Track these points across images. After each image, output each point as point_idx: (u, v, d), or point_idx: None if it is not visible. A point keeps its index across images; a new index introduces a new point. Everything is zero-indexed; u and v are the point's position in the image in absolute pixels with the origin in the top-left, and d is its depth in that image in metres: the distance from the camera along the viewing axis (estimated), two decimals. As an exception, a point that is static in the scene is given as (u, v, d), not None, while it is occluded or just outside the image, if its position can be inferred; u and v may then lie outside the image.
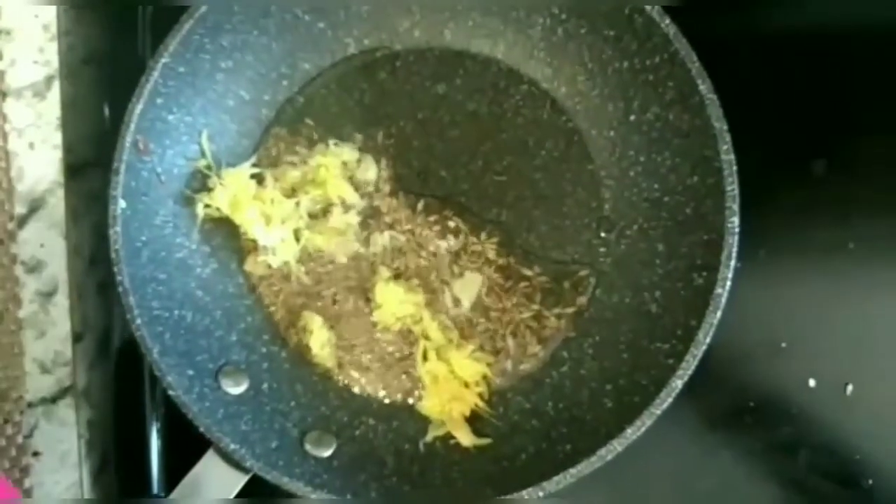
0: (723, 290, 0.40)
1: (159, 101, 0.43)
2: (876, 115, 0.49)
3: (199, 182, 0.47)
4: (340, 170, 0.48)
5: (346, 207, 0.48)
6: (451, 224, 0.48)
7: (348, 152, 0.48)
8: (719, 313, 0.40)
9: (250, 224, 0.46)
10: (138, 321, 0.41)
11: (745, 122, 0.42)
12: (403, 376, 0.47)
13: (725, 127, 0.41)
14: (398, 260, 0.48)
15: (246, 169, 0.47)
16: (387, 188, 0.49)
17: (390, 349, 0.47)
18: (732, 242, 0.40)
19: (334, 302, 0.48)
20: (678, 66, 0.42)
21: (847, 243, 0.49)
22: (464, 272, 0.48)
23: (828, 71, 0.50)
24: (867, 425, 0.48)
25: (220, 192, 0.46)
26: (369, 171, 0.48)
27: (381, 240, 0.48)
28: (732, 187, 0.41)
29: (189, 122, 0.46)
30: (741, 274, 0.43)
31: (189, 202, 0.46)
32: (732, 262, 0.41)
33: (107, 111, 0.50)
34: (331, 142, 0.49)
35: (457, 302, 0.47)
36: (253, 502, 0.44)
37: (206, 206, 0.46)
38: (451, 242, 0.48)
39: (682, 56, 0.41)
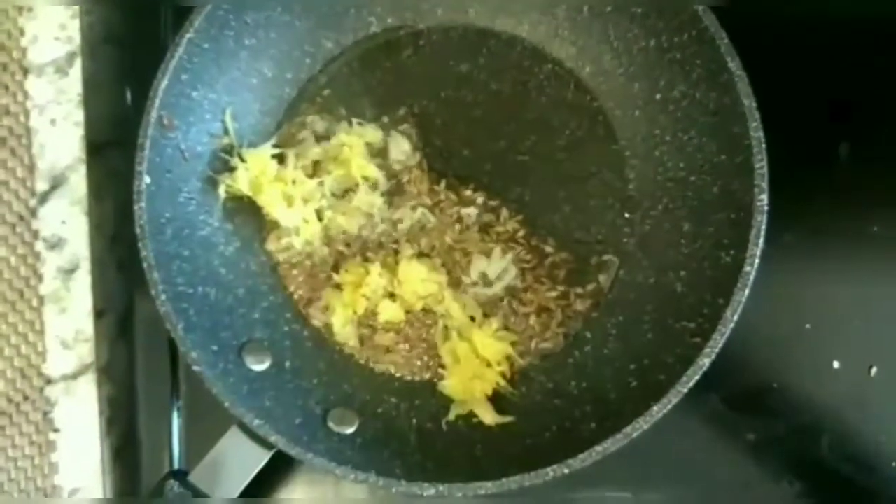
0: (751, 269, 0.40)
1: (184, 77, 0.44)
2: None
3: (222, 162, 0.47)
4: (364, 149, 0.48)
5: (372, 187, 0.48)
6: (478, 201, 0.48)
7: (371, 132, 0.49)
8: (747, 291, 0.40)
9: (272, 205, 0.47)
10: (163, 297, 0.42)
11: (771, 103, 0.42)
12: (426, 356, 0.47)
13: (755, 104, 0.41)
14: (422, 239, 0.48)
15: (267, 149, 0.47)
16: (412, 166, 0.49)
17: (413, 328, 0.47)
18: (761, 220, 0.41)
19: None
20: (706, 44, 0.42)
21: (871, 227, 0.49)
22: (491, 250, 0.48)
23: (855, 55, 0.49)
24: (891, 408, 0.48)
25: (241, 173, 0.46)
26: (402, 147, 0.48)
27: (409, 218, 0.48)
28: (762, 164, 0.41)
29: (213, 99, 0.46)
30: (766, 256, 0.43)
31: (212, 181, 0.47)
32: (761, 241, 0.41)
33: (128, 91, 0.51)
34: (354, 121, 0.49)
35: (484, 278, 0.47)
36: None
37: (228, 186, 0.46)
38: (476, 215, 0.48)
39: (711, 33, 0.41)
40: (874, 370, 0.48)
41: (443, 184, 0.49)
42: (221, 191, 0.46)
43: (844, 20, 0.50)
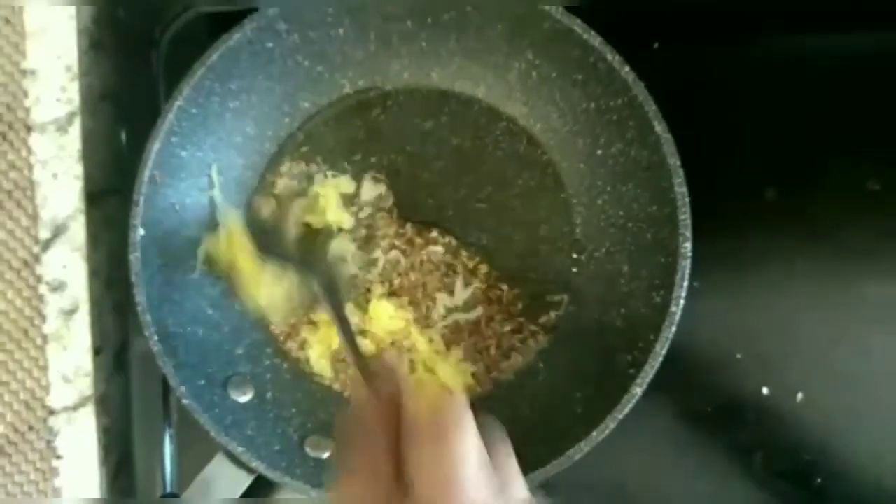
0: (677, 308, 0.44)
1: (174, 139, 0.46)
2: (822, 146, 0.53)
3: (209, 215, 0.50)
4: (338, 199, 0.52)
5: (346, 234, 0.52)
6: (441, 242, 0.52)
7: (345, 182, 0.52)
8: (674, 328, 0.44)
9: (246, 265, 0.49)
10: (155, 337, 0.45)
11: (701, 157, 0.45)
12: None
13: (679, 162, 0.44)
14: (394, 279, 0.52)
15: (239, 217, 0.50)
16: (385, 209, 0.52)
17: (382, 360, 0.51)
18: (685, 265, 0.44)
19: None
20: (637, 108, 0.45)
21: (795, 264, 0.52)
22: (454, 284, 0.52)
23: (779, 106, 0.53)
24: (816, 429, 0.51)
25: (221, 234, 0.49)
26: (375, 191, 0.52)
27: (382, 259, 0.51)
28: (685, 216, 0.44)
29: (200, 157, 0.49)
30: (698, 292, 0.46)
31: (200, 230, 0.50)
32: (685, 283, 0.44)
33: (124, 139, 0.53)
34: (329, 173, 0.53)
35: (448, 312, 0.51)
36: (255, 503, 0.47)
37: (207, 251, 0.49)
38: (441, 254, 0.52)
39: (640, 100, 0.44)
40: (800, 395, 0.51)
41: (408, 227, 0.52)
42: (200, 252, 0.49)
43: (767, 76, 0.53)
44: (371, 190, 0.53)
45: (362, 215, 0.53)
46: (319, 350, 0.51)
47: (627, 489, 0.52)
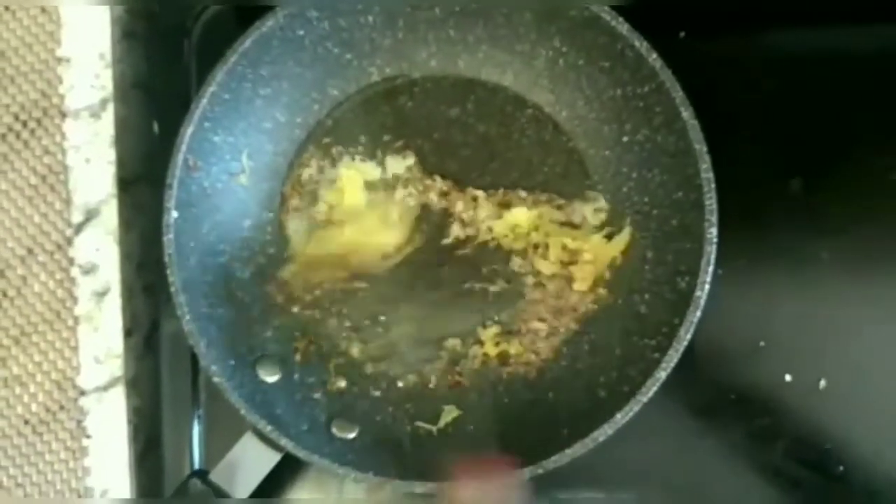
0: (702, 293, 0.44)
1: (206, 124, 0.47)
2: (848, 138, 0.53)
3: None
4: (361, 183, 0.53)
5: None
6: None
7: (371, 169, 0.53)
8: (699, 313, 0.44)
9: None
10: (188, 317, 0.45)
11: (728, 144, 0.45)
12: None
13: (705, 149, 0.45)
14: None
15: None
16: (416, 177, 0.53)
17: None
18: (711, 251, 0.44)
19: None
20: (664, 95, 0.45)
21: (820, 253, 0.52)
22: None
23: (804, 96, 0.53)
24: (838, 417, 0.51)
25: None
26: (404, 163, 0.52)
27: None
28: (711, 202, 0.44)
29: (232, 142, 0.50)
30: (723, 280, 0.46)
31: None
32: (711, 268, 0.44)
33: (156, 129, 0.54)
34: (357, 157, 0.53)
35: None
36: (264, 502, 0.48)
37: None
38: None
39: (667, 86, 0.45)
40: (823, 382, 0.51)
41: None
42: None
43: (797, 65, 0.53)
44: (400, 161, 0.53)
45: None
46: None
47: (650, 475, 0.52)
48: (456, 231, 0.52)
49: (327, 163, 0.54)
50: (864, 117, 0.53)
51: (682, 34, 0.54)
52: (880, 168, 0.53)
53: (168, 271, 0.46)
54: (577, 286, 0.51)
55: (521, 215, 0.51)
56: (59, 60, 0.53)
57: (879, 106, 0.53)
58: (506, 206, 0.52)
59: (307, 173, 0.54)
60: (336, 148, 0.54)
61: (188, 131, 0.47)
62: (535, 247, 0.52)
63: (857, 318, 0.52)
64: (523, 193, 0.52)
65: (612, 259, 0.51)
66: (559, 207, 0.52)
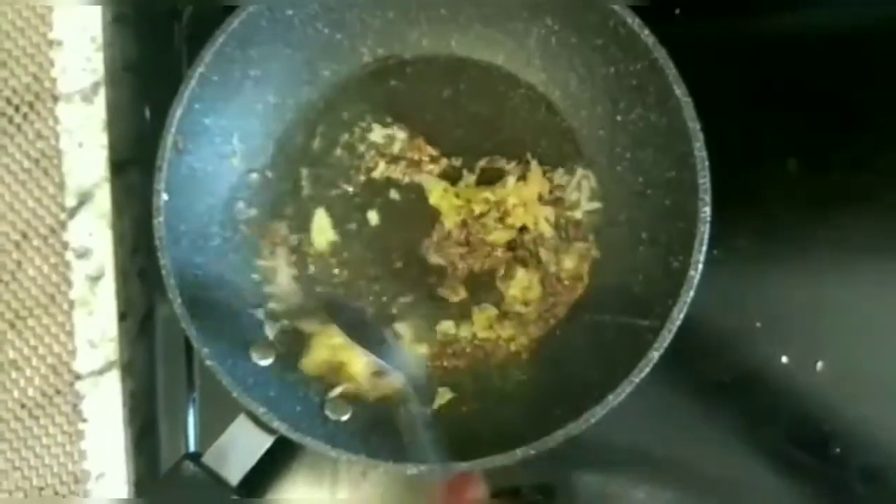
0: (695, 273, 0.44)
1: (196, 106, 0.47)
2: (846, 117, 0.53)
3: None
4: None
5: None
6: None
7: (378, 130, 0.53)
8: (692, 293, 0.44)
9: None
10: (179, 301, 0.45)
11: (722, 127, 0.45)
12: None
13: (699, 127, 0.44)
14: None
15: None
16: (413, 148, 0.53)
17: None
18: (704, 230, 0.44)
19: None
20: (657, 72, 0.45)
21: (816, 234, 0.52)
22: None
23: (800, 76, 0.53)
24: (835, 398, 0.51)
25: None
26: (400, 136, 0.52)
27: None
28: (705, 181, 0.44)
29: (222, 124, 0.50)
30: (719, 261, 0.46)
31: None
32: (704, 248, 0.44)
33: (148, 114, 0.54)
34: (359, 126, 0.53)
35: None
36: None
37: None
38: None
39: (660, 63, 0.44)
40: (819, 364, 0.51)
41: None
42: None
43: (790, 43, 0.53)
44: (398, 133, 0.53)
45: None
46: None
47: (648, 457, 0.52)
48: (447, 211, 0.52)
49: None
50: (862, 96, 0.53)
51: (678, 11, 0.53)
52: (878, 148, 0.52)
53: (159, 254, 0.46)
54: (568, 266, 0.51)
55: (513, 195, 0.51)
56: (51, 43, 0.53)
57: (876, 84, 0.53)
58: (499, 185, 0.52)
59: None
60: (328, 128, 0.53)
61: (177, 113, 0.47)
62: (528, 228, 0.52)
63: (855, 299, 0.51)
64: (517, 173, 0.52)
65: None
66: (552, 188, 0.51)
